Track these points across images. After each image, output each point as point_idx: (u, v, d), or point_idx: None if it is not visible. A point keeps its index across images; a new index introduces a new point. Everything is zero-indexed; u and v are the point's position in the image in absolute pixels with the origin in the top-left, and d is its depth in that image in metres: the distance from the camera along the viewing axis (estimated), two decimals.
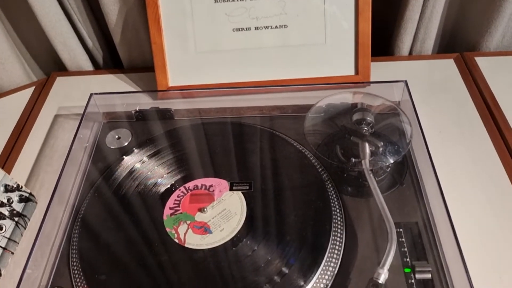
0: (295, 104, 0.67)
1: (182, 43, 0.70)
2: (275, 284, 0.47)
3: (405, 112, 0.61)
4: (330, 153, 0.59)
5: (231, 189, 0.56)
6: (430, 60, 0.76)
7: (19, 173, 0.64)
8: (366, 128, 0.58)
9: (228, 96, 0.70)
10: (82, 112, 0.66)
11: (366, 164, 0.54)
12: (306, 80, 0.69)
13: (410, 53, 0.78)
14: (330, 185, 0.56)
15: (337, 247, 0.51)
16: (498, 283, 0.48)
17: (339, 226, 0.52)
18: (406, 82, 0.63)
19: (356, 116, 0.59)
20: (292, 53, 0.69)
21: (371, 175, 0.53)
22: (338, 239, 0.51)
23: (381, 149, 0.56)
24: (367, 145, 0.56)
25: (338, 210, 0.54)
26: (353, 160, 0.56)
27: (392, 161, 0.55)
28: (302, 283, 0.47)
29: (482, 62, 0.74)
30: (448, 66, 0.74)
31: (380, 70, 0.73)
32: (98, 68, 0.84)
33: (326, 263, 0.49)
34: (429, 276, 0.48)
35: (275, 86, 0.69)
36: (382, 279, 0.45)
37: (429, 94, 0.70)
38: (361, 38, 0.68)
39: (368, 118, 0.59)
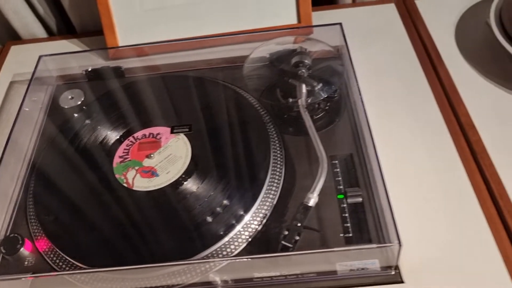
0: (242, 55, 0.70)
1: (128, 1, 0.71)
2: (217, 215, 0.51)
3: (343, 54, 0.64)
4: (271, 97, 0.62)
5: (172, 132, 0.59)
6: (373, 6, 0.78)
7: None
8: (303, 70, 0.61)
9: (175, 53, 0.72)
10: (36, 77, 0.68)
11: (302, 102, 0.57)
12: (249, 31, 0.71)
13: (354, 0, 0.80)
14: (271, 125, 0.60)
15: (276, 180, 0.54)
16: (421, 204, 0.53)
17: (278, 161, 0.56)
18: (341, 24, 0.66)
19: (294, 60, 0.62)
20: (235, 5, 0.71)
21: (306, 112, 0.56)
22: (277, 173, 0.55)
23: (317, 88, 0.59)
24: (303, 85, 0.59)
25: (278, 146, 0.57)
26: (290, 100, 0.59)
27: (325, 96, 0.59)
28: (242, 212, 0.51)
29: (422, 5, 0.76)
30: (389, 11, 0.77)
31: (324, 18, 0.75)
32: (52, 35, 0.85)
33: (265, 195, 0.53)
34: (360, 200, 0.52)
35: (220, 36, 0.71)
36: (312, 202, 0.49)
37: (370, 39, 0.72)
38: None
39: (306, 61, 0.62)
